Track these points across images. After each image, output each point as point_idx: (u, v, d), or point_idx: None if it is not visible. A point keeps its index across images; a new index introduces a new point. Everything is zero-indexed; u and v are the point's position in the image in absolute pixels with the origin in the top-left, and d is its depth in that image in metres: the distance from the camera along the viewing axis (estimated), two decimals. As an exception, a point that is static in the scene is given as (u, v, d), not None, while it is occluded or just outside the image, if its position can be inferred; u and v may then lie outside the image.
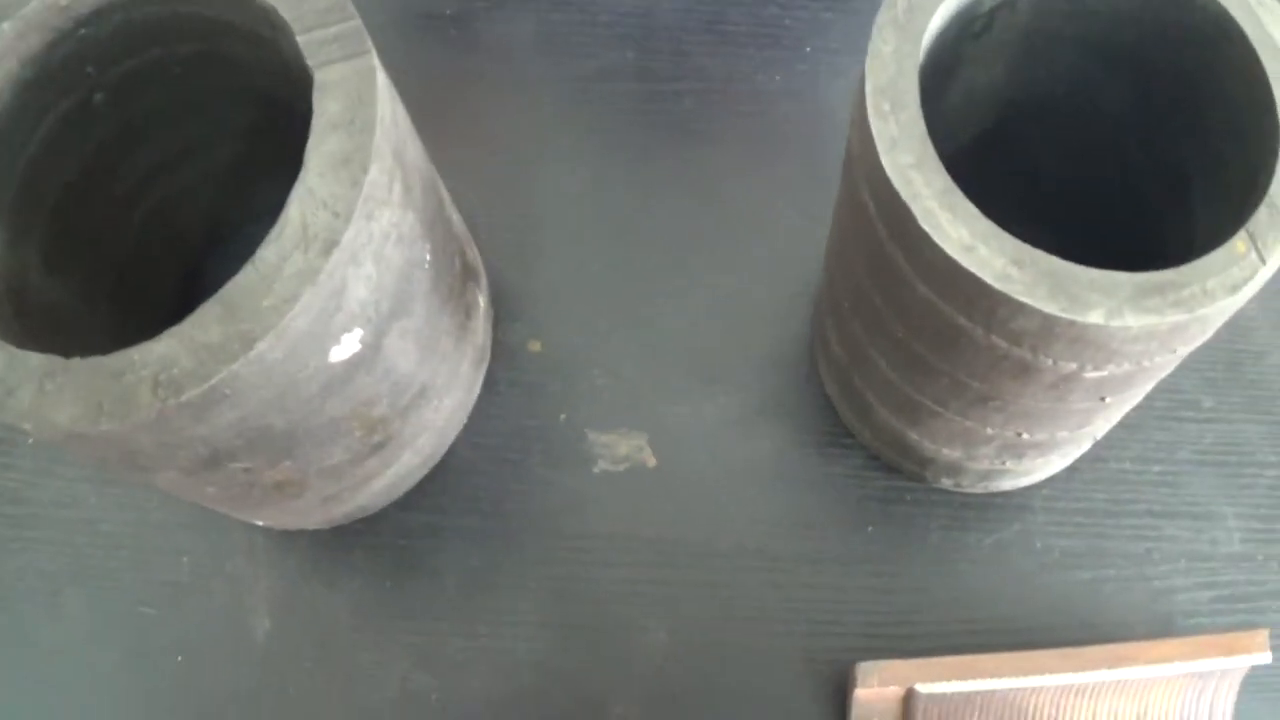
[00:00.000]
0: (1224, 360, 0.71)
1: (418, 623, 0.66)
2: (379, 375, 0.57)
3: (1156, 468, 0.69)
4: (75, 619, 0.68)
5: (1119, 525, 0.68)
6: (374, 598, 0.66)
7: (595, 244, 0.72)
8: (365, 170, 0.51)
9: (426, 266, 0.58)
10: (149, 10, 0.59)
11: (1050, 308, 0.46)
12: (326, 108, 0.52)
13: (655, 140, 0.74)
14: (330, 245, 0.50)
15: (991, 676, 0.61)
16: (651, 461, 0.68)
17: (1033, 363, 0.51)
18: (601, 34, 0.76)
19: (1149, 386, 0.55)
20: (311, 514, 0.65)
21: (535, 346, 0.70)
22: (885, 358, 0.59)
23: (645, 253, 0.72)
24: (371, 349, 0.55)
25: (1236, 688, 0.64)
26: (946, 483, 0.67)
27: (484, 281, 0.69)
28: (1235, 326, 0.70)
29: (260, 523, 0.66)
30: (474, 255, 0.68)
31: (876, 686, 0.61)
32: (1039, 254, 0.47)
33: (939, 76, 0.57)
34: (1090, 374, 0.51)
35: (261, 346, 0.49)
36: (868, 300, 0.56)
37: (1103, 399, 0.54)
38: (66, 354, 0.56)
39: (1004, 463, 0.63)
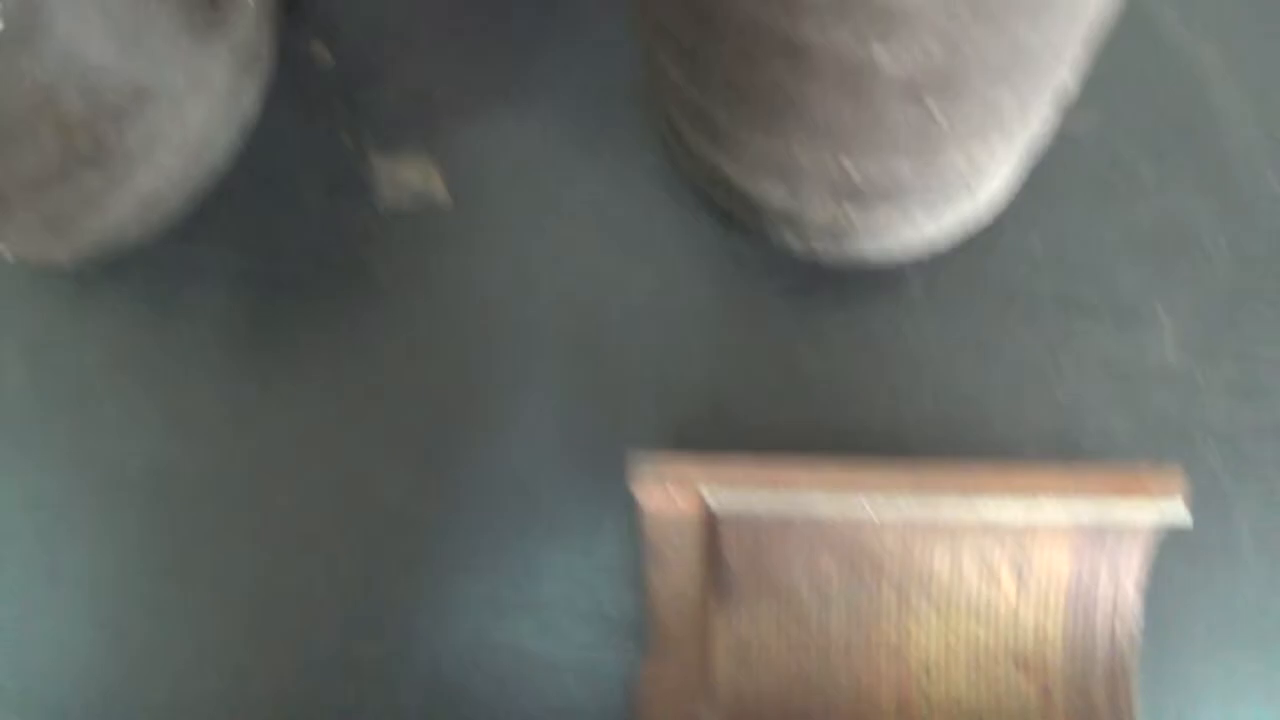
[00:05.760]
0: (1172, 119, 0.50)
1: (173, 377, 0.52)
2: (52, 60, 0.42)
3: (1073, 249, 0.50)
4: None
5: (1018, 318, 0.49)
6: (129, 345, 0.53)
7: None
8: None
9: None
10: None
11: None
12: None
13: None
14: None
15: (805, 488, 0.44)
16: (442, 194, 0.51)
17: (794, 36, 0.33)
18: None
19: (990, 93, 0.36)
20: (38, 236, 0.51)
21: (322, 54, 0.54)
22: (668, 57, 0.42)
23: None
24: (22, 26, 0.40)
25: (1148, 543, 0.46)
26: (791, 239, 0.49)
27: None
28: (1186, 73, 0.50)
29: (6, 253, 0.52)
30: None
31: (655, 486, 0.44)
32: None
33: None
34: (885, 60, 0.33)
35: None
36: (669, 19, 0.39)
37: (922, 101, 0.35)
38: None
39: (845, 210, 0.45)
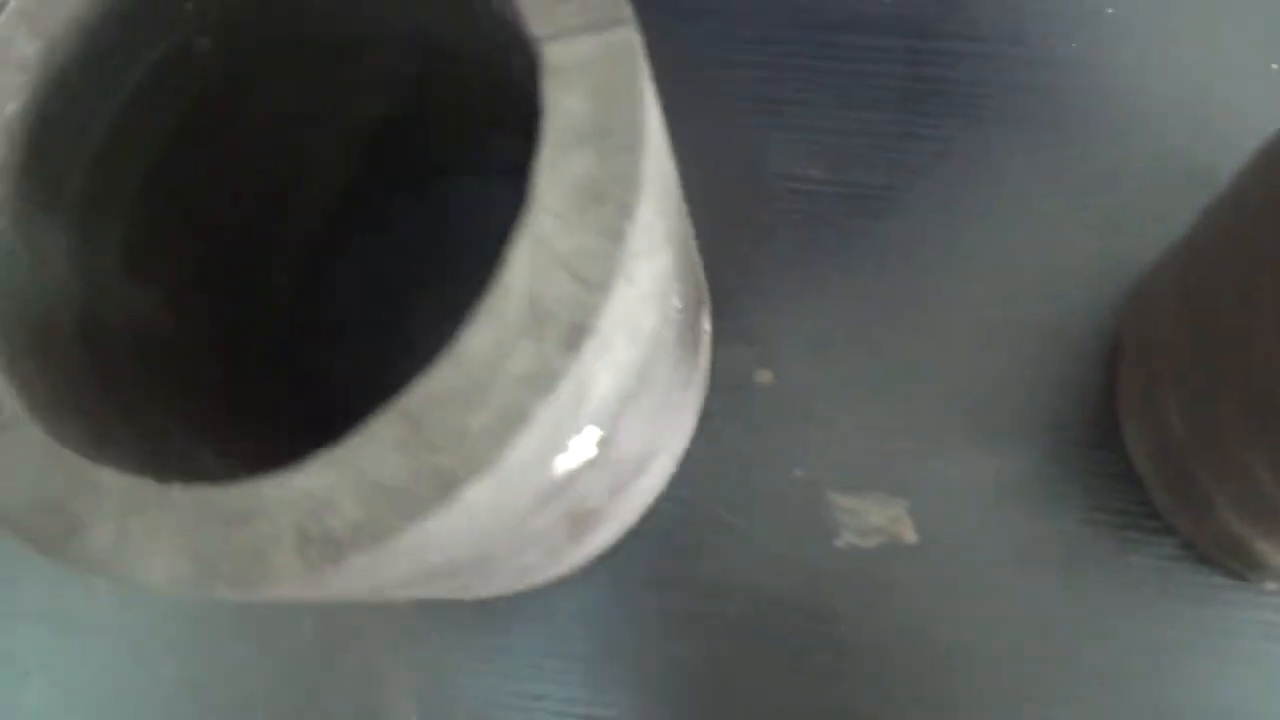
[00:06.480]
0: None
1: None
2: (603, 469, 0.36)
3: None
4: (167, 680, 0.48)
5: None
6: (536, 686, 0.47)
7: (842, 245, 0.49)
8: (630, 214, 0.28)
9: (676, 316, 0.36)
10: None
11: None
12: (566, 106, 0.29)
13: (918, 114, 0.50)
14: (578, 332, 0.28)
15: None
16: (911, 537, 0.46)
17: None
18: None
19: None
20: (479, 594, 0.45)
21: (765, 377, 0.48)
22: (1270, 467, 0.37)
23: (906, 260, 0.49)
24: (604, 445, 0.34)
25: None
26: (1273, 586, 0.46)
27: (708, 297, 0.47)
28: None
29: (408, 594, 0.45)
30: (700, 266, 0.46)
31: None
32: None
33: None
34: None
35: (470, 492, 0.28)
36: (1267, 399, 0.34)
37: None
38: (156, 399, 0.36)
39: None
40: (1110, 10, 0.50)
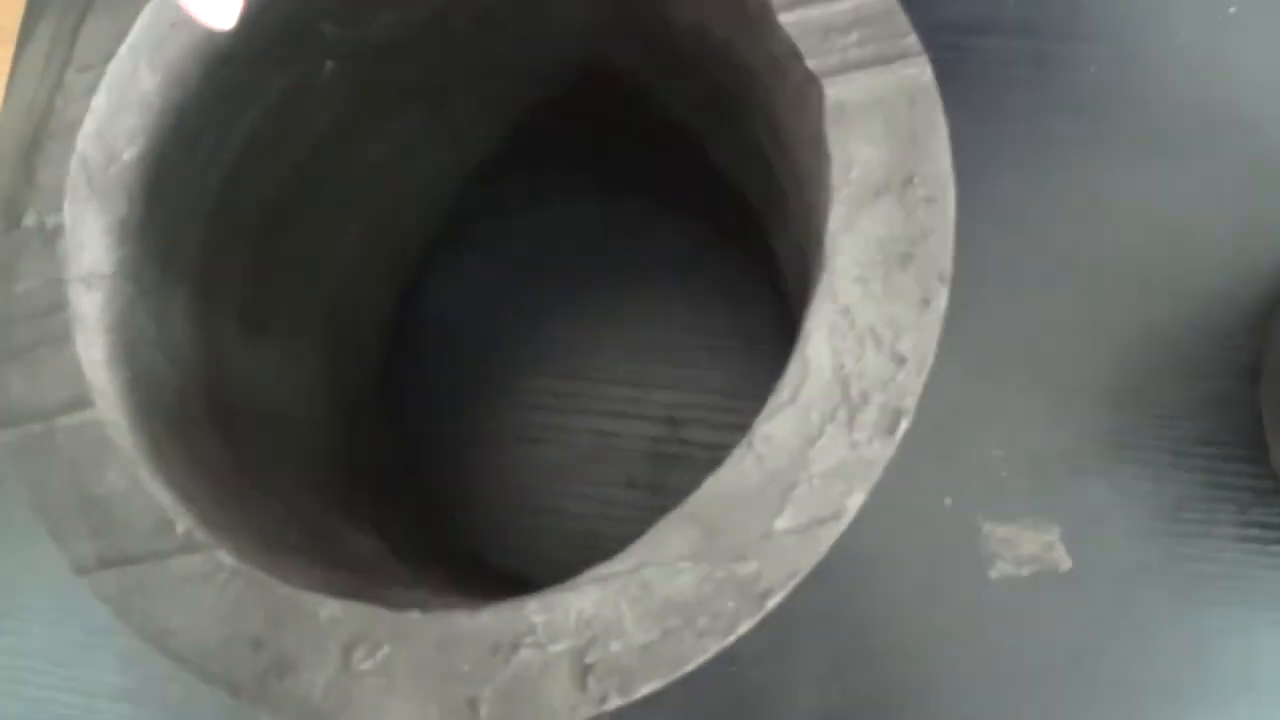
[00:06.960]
0: None
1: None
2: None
3: None
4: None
5: None
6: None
7: (979, 262, 0.45)
8: (943, 274, 0.24)
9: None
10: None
11: None
12: (858, 154, 0.25)
13: (1046, 117, 0.47)
14: (896, 417, 0.24)
15: None
16: (1065, 563, 0.44)
17: None
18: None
19: None
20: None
21: (909, 404, 0.44)
22: None
23: (1047, 276, 0.46)
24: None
25: None
26: None
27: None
28: None
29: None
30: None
31: None
32: None
33: None
34: None
35: (773, 604, 0.24)
36: None
37: None
38: (292, 481, 0.32)
39: None
40: (1232, 10, 0.47)
